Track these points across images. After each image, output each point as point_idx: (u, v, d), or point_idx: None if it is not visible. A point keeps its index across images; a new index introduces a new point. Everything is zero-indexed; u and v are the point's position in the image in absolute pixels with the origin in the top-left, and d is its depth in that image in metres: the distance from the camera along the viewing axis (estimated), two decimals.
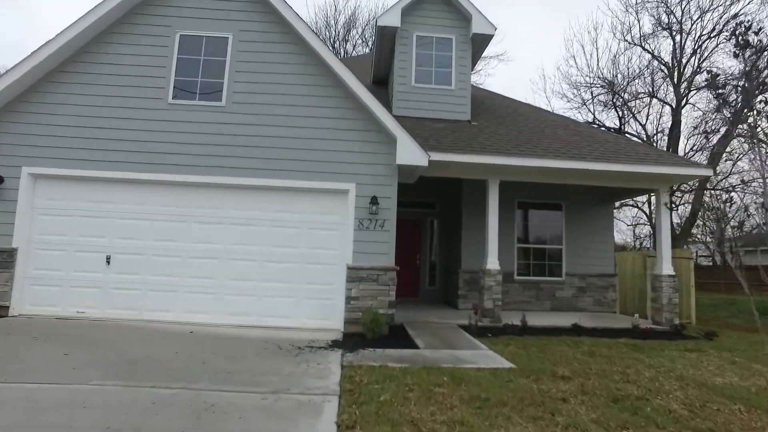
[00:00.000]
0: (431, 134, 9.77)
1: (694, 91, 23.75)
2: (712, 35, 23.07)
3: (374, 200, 8.14)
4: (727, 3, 21.97)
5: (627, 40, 24.53)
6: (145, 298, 8.12)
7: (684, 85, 23.95)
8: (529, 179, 9.82)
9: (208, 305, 8.16)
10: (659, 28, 23.98)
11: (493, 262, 9.53)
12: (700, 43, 23.28)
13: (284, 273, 8.22)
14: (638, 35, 24.63)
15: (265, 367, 5.46)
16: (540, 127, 11.28)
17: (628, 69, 29.38)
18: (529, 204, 12.03)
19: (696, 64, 23.62)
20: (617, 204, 18.88)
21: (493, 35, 11.21)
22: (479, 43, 11.57)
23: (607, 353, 6.90)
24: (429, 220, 13.65)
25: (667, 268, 9.94)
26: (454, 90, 11.28)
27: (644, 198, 23.76)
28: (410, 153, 8.11)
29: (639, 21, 28.60)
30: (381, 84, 13.69)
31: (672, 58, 24.21)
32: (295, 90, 8.40)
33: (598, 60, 40.22)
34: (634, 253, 12.87)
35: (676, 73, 24.07)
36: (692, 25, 23.38)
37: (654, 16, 23.98)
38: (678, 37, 23.76)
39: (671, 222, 25.63)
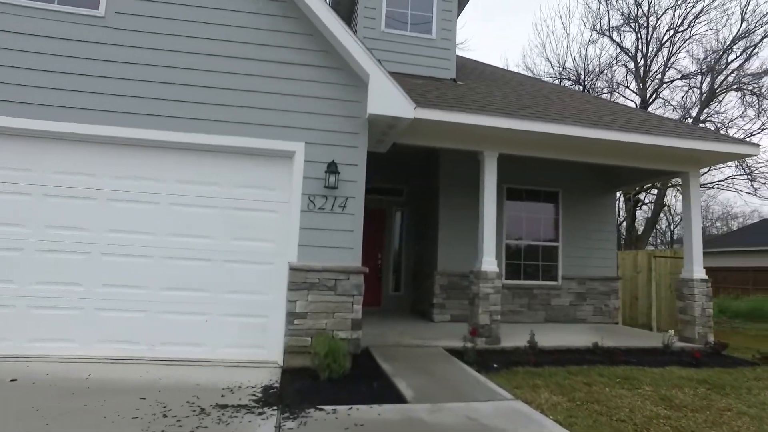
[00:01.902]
0: (411, 89, 7.18)
1: (663, 86, 22.71)
2: (678, 30, 22.10)
3: (333, 168, 5.46)
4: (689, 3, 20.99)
5: (597, 30, 23.06)
6: None
7: (650, 81, 22.89)
8: (533, 154, 7.46)
9: (70, 327, 5.17)
10: (624, 23, 22.76)
11: (489, 263, 7.08)
12: (664, 40, 22.25)
13: (191, 277, 5.36)
14: (607, 26, 23.18)
15: None
16: (542, 93, 8.99)
17: (599, 60, 28.14)
18: (520, 191, 9.72)
19: (662, 62, 22.60)
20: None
21: None
22: None
23: (686, 399, 4.59)
24: (395, 211, 11.09)
25: (698, 271, 7.87)
26: (436, 40, 8.77)
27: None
28: (388, 99, 5.50)
29: (608, 11, 27.24)
30: None
31: (636, 52, 23.02)
32: (215, 1, 5.57)
33: (569, 48, 39.04)
34: (638, 253, 11.01)
35: (642, 70, 22.96)
36: (657, 20, 22.32)
37: (620, 11, 22.77)
38: (643, 32, 22.65)
39: (634, 221, 24.69)
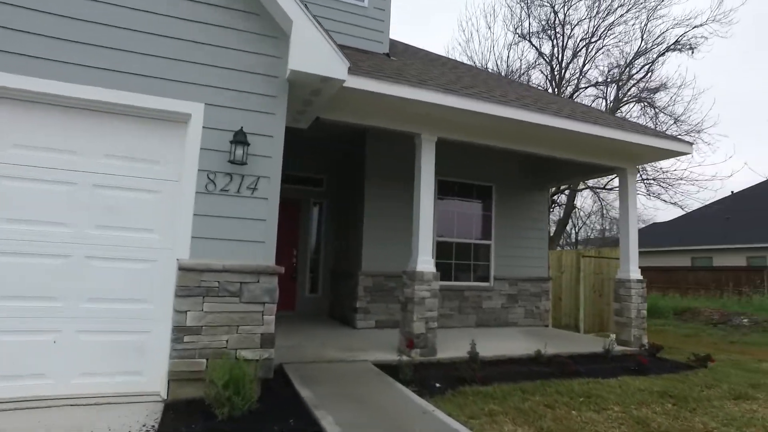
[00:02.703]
0: None
1: (578, 93, 23.54)
2: (591, 41, 23.02)
3: (241, 138, 4.19)
4: (603, 14, 21.90)
5: (518, 33, 23.36)
6: None
7: (565, 87, 23.65)
8: (476, 140, 6.67)
9: None
10: (542, 30, 23.31)
11: (426, 263, 6.16)
12: (578, 49, 23.08)
13: (36, 278, 3.83)
14: (528, 31, 23.59)
15: None
16: (480, 77, 8.31)
17: (521, 63, 28.63)
18: (453, 185, 8.96)
19: (576, 69, 23.42)
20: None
21: None
22: None
23: (662, 421, 3.93)
24: (313, 203, 9.89)
25: (635, 271, 7.57)
26: (368, 9, 7.71)
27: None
28: (315, 53, 4.34)
29: (529, 16, 27.85)
30: None
31: (551, 58, 23.68)
32: None
33: (492, 48, 39.54)
34: (562, 252, 10.78)
35: (558, 76, 23.65)
36: (571, 29, 23.10)
37: (537, 17, 23.27)
38: (560, 40, 23.35)
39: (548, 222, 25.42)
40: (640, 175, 20.26)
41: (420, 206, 6.23)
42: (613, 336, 6.82)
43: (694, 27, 19.77)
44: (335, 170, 9.96)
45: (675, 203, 16.80)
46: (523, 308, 9.27)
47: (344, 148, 9.62)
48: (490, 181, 9.31)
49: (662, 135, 7.27)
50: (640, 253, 7.95)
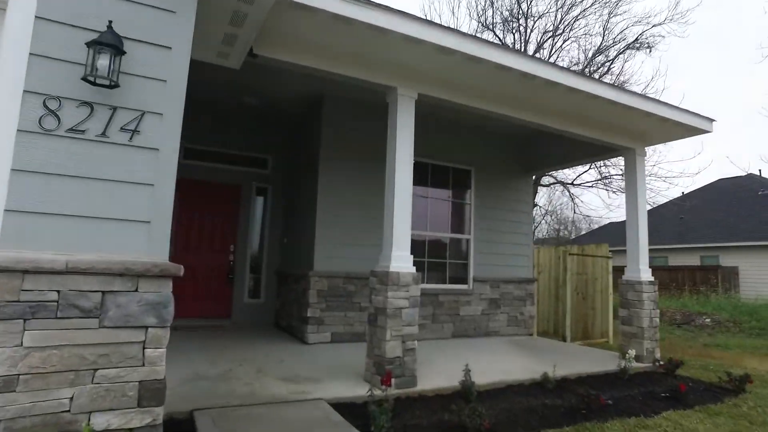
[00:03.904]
0: None
1: None
2: (556, 34, 22.24)
3: (109, 40, 2.41)
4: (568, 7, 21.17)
5: (482, 23, 22.23)
6: None
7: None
8: (465, 102, 5.14)
9: None
10: (505, 22, 22.33)
11: (402, 259, 4.55)
12: (541, 41, 22.28)
13: None
14: (491, 21, 22.52)
15: None
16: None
17: None
18: (426, 167, 7.40)
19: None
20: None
21: None
22: None
23: None
24: (256, 188, 8.07)
25: (646, 271, 6.29)
26: None
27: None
28: None
29: (492, 5, 26.71)
30: None
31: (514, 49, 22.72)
32: None
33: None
34: (542, 250, 9.51)
35: None
36: (534, 23, 22.26)
37: (500, 9, 22.29)
38: (523, 33, 22.45)
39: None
40: (599, 172, 19.57)
41: (395, 184, 4.61)
42: (631, 352, 5.49)
43: (653, 26, 19.30)
44: (284, 149, 8.19)
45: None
46: (506, 315, 7.85)
47: (295, 121, 7.87)
48: (469, 164, 7.83)
49: (681, 109, 6.04)
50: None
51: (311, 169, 6.83)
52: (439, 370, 4.94)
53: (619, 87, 5.26)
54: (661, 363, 5.93)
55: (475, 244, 7.71)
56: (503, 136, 8.14)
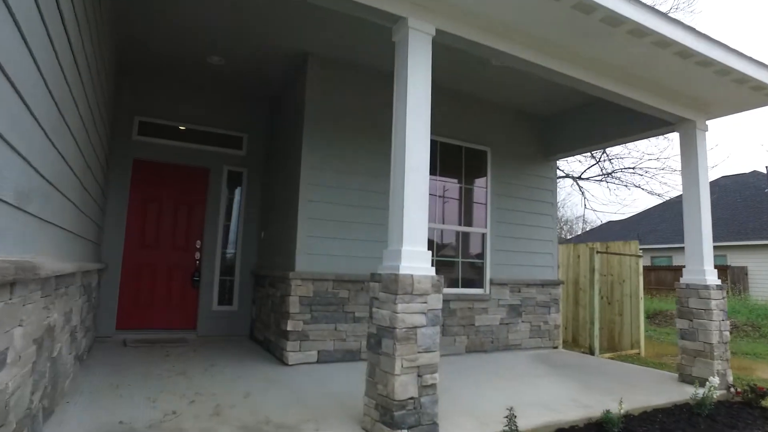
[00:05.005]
0: None
1: None
2: None
3: None
4: None
5: None
6: None
7: None
8: (501, 47, 3.84)
9: None
10: None
11: (417, 257, 3.22)
12: None
13: None
14: None
15: None
16: None
17: None
18: (434, 145, 6.06)
19: None
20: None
21: None
22: None
23: None
24: (228, 173, 6.71)
25: (711, 272, 5.04)
26: None
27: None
28: None
29: None
30: None
31: None
32: None
33: None
34: (566, 247, 8.27)
35: None
36: None
37: None
38: None
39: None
40: (600, 168, 18.32)
41: (406, 155, 3.29)
42: (713, 380, 4.23)
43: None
44: (261, 126, 6.84)
45: (658, 194, 14.84)
46: (528, 324, 6.57)
47: (274, 90, 6.52)
48: (485, 144, 6.54)
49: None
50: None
51: (293, 146, 5.49)
52: (464, 408, 3.65)
53: (696, 30, 3.99)
54: (737, 389, 4.69)
55: (491, 240, 6.42)
56: (524, 113, 6.87)
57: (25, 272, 1.65)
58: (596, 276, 7.46)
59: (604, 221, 30.47)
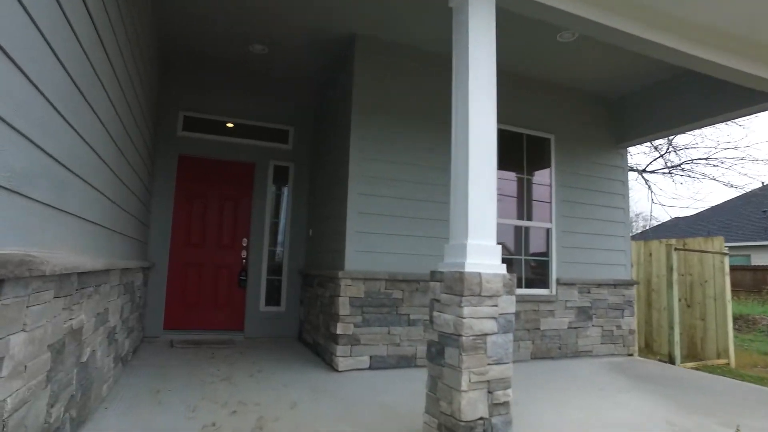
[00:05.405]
0: None
1: None
2: None
3: None
4: None
5: None
6: None
7: None
8: (585, 13, 3.32)
9: None
10: None
11: (485, 252, 2.77)
12: None
13: None
14: None
15: None
16: None
17: None
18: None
19: None
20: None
21: None
22: None
23: None
24: (275, 168, 6.47)
25: None
26: None
27: None
28: None
29: None
30: None
31: None
32: None
33: None
34: (637, 244, 7.53)
35: None
36: None
37: None
38: None
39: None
40: (664, 160, 16.90)
41: (469, 135, 2.84)
42: None
43: None
44: (308, 118, 6.56)
45: (737, 186, 13.53)
46: (600, 328, 5.93)
47: (320, 80, 6.21)
48: (549, 131, 5.96)
49: None
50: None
51: (341, 135, 5.15)
52: (538, 428, 3.15)
53: None
54: None
55: (557, 236, 5.83)
56: (592, 95, 6.23)
57: (16, 268, 1.34)
58: (674, 276, 6.67)
59: (671, 217, 28.50)
